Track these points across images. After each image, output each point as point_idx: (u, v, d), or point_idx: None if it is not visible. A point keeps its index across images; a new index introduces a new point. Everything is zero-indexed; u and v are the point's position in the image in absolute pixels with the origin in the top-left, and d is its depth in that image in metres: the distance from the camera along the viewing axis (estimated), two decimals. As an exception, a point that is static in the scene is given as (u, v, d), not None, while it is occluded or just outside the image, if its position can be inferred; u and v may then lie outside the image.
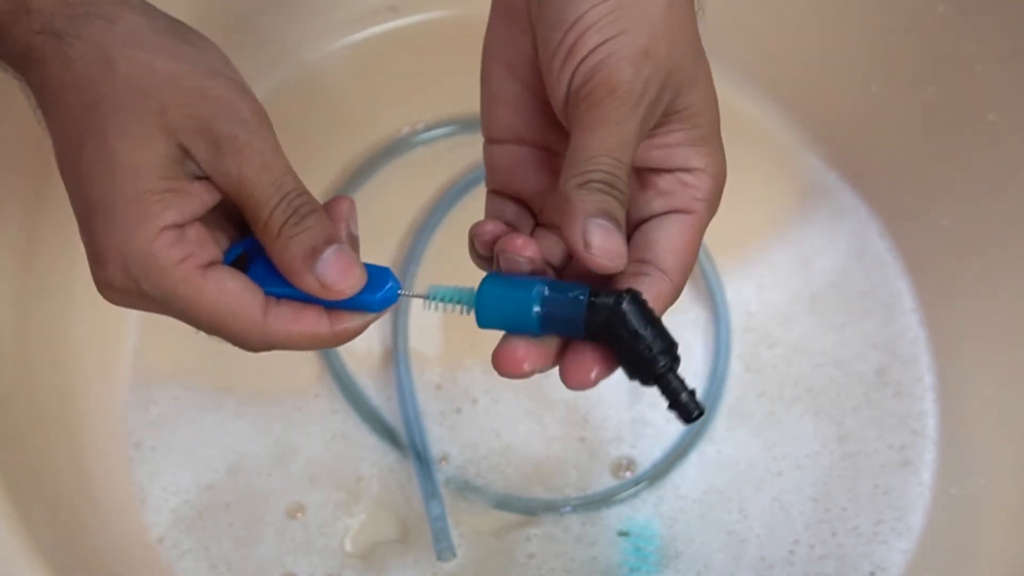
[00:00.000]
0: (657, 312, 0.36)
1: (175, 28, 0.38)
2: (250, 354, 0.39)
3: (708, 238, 0.68)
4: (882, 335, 0.68)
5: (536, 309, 0.35)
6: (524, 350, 0.36)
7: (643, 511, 0.64)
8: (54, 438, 0.58)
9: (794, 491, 0.64)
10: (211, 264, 0.37)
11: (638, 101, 0.36)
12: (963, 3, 0.62)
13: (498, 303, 0.36)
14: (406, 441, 0.64)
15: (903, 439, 0.66)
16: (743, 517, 0.64)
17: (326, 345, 0.38)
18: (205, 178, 0.37)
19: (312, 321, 0.37)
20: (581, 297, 0.35)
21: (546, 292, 0.35)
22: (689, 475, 0.64)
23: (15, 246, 0.58)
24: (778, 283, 0.69)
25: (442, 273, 0.68)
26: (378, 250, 0.69)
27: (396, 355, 0.66)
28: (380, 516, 0.63)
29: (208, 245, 0.37)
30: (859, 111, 0.70)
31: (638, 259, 0.38)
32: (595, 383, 0.36)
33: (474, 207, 0.70)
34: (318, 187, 0.54)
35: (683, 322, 0.68)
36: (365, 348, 0.67)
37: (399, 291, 0.38)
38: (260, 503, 0.63)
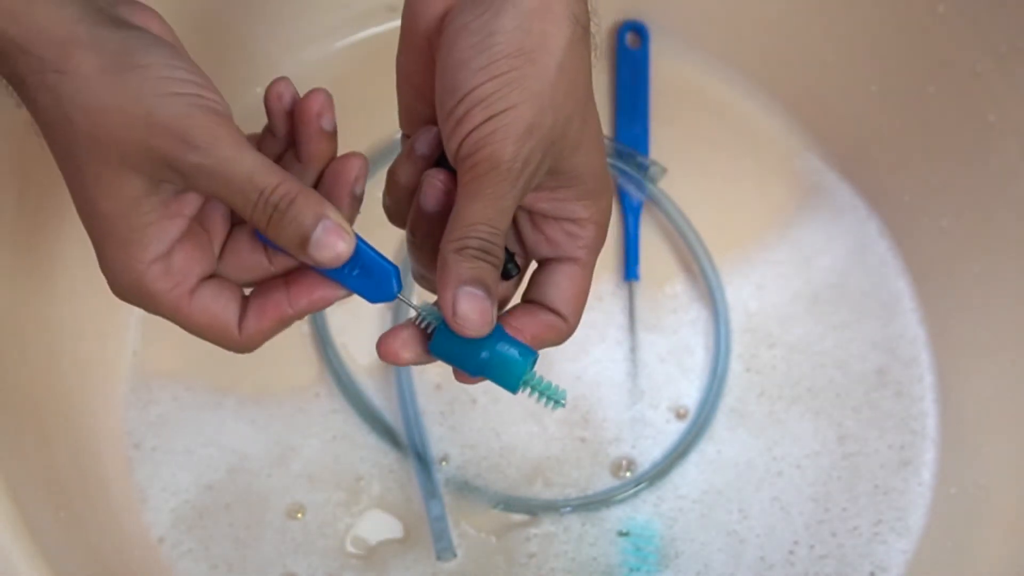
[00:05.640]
0: (549, 346, 0.41)
1: (123, 49, 0.37)
2: (250, 355, 0.42)
3: (708, 238, 0.69)
4: (882, 335, 0.68)
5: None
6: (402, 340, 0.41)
7: (643, 511, 0.64)
8: (54, 438, 0.58)
9: (794, 491, 0.64)
10: (198, 285, 0.40)
11: (518, 176, 0.38)
12: (963, 3, 0.62)
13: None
14: (406, 441, 0.64)
15: (903, 439, 0.66)
16: (743, 517, 0.64)
17: (297, 318, 0.42)
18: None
19: (274, 311, 0.41)
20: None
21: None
22: (689, 475, 0.64)
23: (13, 245, 0.58)
24: (778, 283, 0.69)
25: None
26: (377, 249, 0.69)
27: (396, 355, 0.66)
28: (380, 516, 0.63)
29: (195, 263, 0.40)
30: (859, 111, 0.70)
31: (535, 301, 0.42)
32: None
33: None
34: (318, 187, 0.54)
35: (683, 322, 0.68)
36: (365, 348, 0.67)
37: (396, 294, 0.41)
38: (260, 503, 0.63)
